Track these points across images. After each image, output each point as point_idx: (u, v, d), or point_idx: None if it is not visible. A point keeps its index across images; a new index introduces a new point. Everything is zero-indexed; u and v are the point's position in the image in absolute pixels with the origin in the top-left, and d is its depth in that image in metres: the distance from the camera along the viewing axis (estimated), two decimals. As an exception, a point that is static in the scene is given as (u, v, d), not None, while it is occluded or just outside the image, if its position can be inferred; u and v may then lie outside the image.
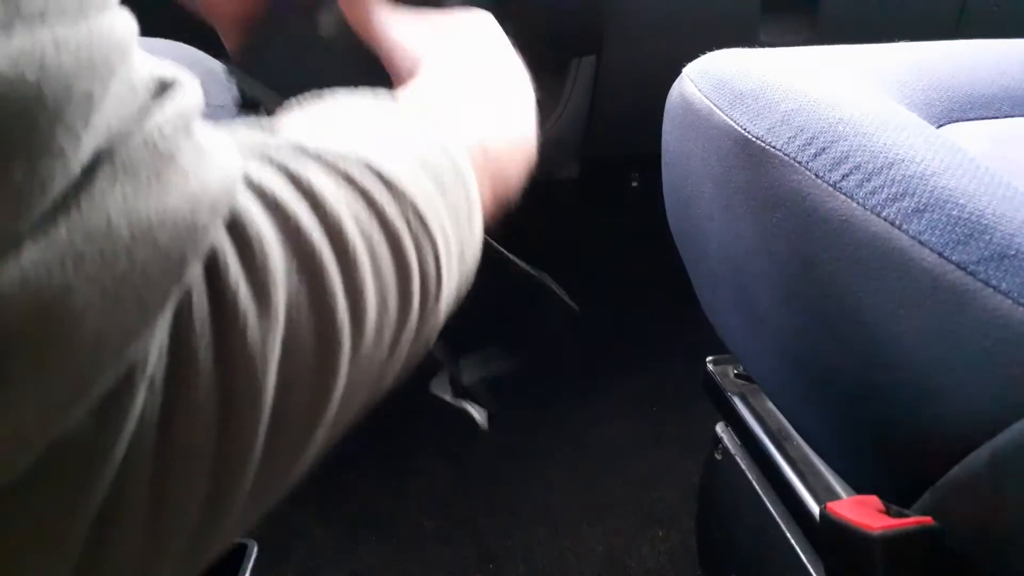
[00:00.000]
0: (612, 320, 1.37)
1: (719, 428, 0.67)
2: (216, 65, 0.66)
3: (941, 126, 0.56)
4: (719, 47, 0.62)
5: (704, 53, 0.61)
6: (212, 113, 0.65)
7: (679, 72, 0.61)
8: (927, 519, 0.36)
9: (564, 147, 1.06)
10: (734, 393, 0.64)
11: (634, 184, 1.40)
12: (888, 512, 0.38)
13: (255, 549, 0.80)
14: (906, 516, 0.37)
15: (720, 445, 0.66)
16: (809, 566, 0.54)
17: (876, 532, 0.35)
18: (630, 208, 1.41)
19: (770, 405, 0.62)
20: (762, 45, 0.99)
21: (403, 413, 1.19)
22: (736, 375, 0.66)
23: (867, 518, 0.36)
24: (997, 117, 0.58)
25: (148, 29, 0.72)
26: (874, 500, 0.39)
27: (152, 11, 0.88)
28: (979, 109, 0.58)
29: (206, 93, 0.64)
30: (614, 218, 1.48)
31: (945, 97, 0.58)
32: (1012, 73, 0.62)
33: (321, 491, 1.06)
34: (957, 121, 0.57)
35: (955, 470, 0.36)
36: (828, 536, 0.38)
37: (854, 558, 0.37)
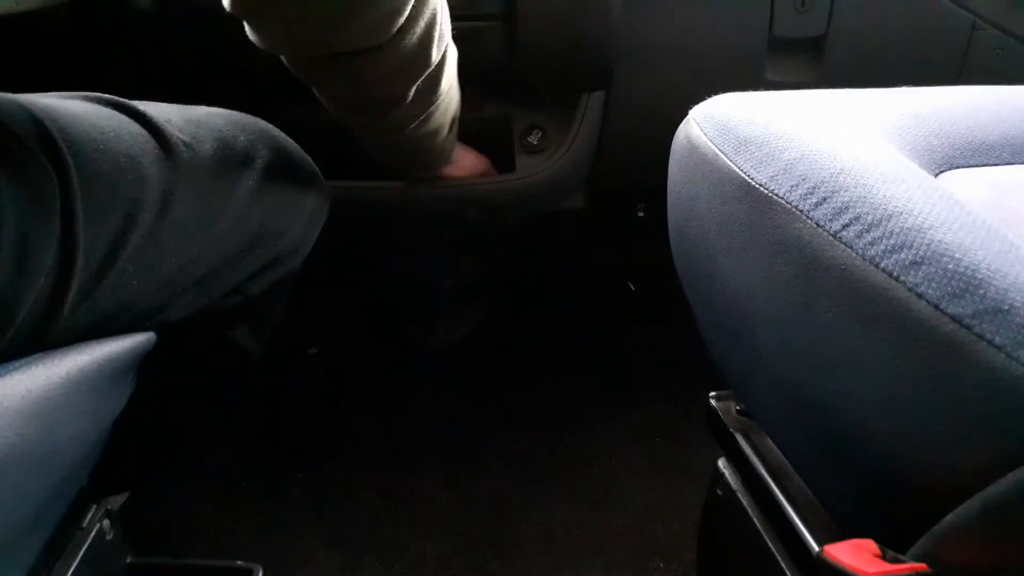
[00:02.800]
0: (616, 350, 1.38)
1: (720, 463, 0.67)
2: (289, 144, 0.67)
3: (941, 173, 0.57)
4: (726, 85, 0.63)
5: (711, 91, 0.62)
6: (280, 191, 0.66)
7: (686, 108, 0.62)
8: (921, 566, 0.37)
9: (572, 178, 1.07)
10: (736, 429, 0.65)
11: (640, 214, 1.41)
12: (884, 557, 0.39)
13: (260, 573, 0.81)
14: (901, 562, 0.38)
15: (721, 481, 0.66)
16: (808, 605, 0.55)
17: (871, 578, 0.36)
18: (635, 238, 1.42)
19: (771, 443, 0.62)
20: (768, 84, 1.01)
21: (408, 440, 1.20)
22: (738, 411, 0.67)
23: (862, 563, 0.37)
24: (998, 164, 0.59)
25: (196, 97, 0.72)
26: (871, 544, 0.40)
27: (200, 80, 0.90)
28: (980, 156, 0.59)
29: (277, 171, 0.65)
30: (619, 248, 1.50)
31: (946, 144, 0.59)
32: (1013, 120, 0.63)
33: (325, 516, 1.06)
34: (958, 168, 0.58)
35: (949, 518, 0.37)
36: (825, 579, 0.39)
37: (850, 602, 0.38)
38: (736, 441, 0.64)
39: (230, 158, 0.58)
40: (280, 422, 1.25)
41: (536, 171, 1.02)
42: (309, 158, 0.69)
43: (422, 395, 1.29)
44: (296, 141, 1.00)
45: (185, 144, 0.55)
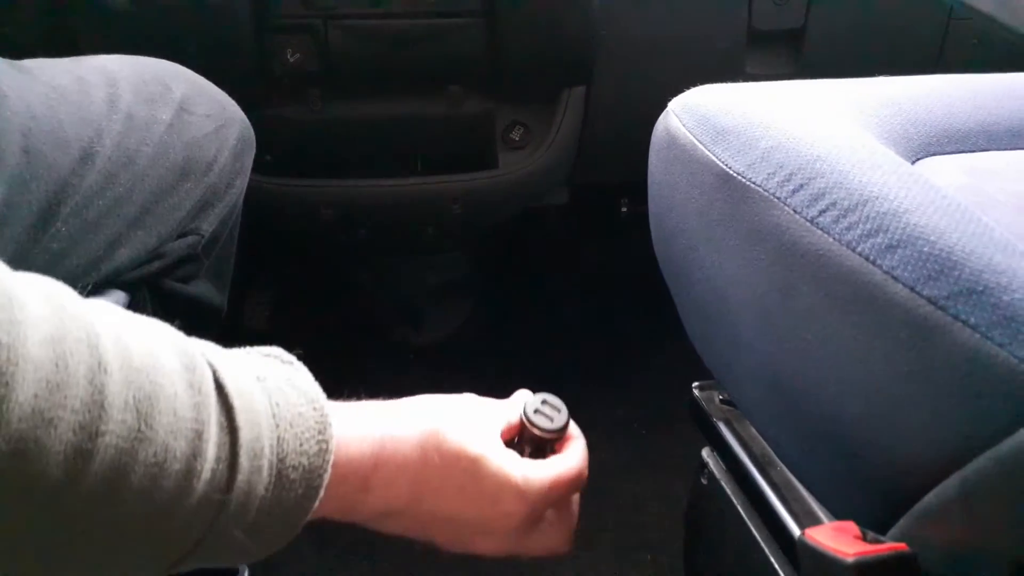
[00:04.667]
0: (601, 345, 1.38)
1: (705, 453, 0.68)
2: (203, 81, 0.68)
3: (918, 160, 0.57)
4: (706, 79, 0.64)
5: (691, 85, 0.62)
6: (199, 122, 0.66)
7: (666, 103, 0.62)
8: (901, 545, 0.37)
9: (554, 174, 1.08)
10: (719, 419, 0.66)
11: (623, 210, 1.42)
12: (865, 538, 0.40)
13: (246, 571, 0.81)
14: (881, 542, 0.38)
15: (706, 470, 0.67)
16: (793, 591, 0.55)
17: (851, 559, 0.36)
18: (619, 233, 1.43)
19: (754, 431, 0.63)
20: (748, 77, 1.02)
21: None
22: (721, 401, 0.68)
23: (843, 545, 0.37)
24: (973, 151, 0.60)
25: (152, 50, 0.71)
26: (851, 526, 0.40)
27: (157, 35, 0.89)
28: (955, 143, 0.60)
29: (194, 104, 0.66)
30: (603, 243, 1.50)
31: (922, 131, 0.59)
32: (988, 108, 0.64)
33: (313, 515, 1.06)
34: (934, 155, 0.59)
35: (928, 497, 0.38)
36: (806, 562, 0.40)
37: (831, 584, 0.38)
38: (719, 430, 0.65)
39: (144, 96, 0.60)
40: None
41: (519, 167, 1.02)
42: (225, 93, 0.69)
43: (408, 394, 1.28)
44: (278, 140, 1.00)
45: (98, 93, 0.57)
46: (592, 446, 1.14)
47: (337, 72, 0.95)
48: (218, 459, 0.32)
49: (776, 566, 0.56)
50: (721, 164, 0.52)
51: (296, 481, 0.35)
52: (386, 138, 1.02)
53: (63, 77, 0.57)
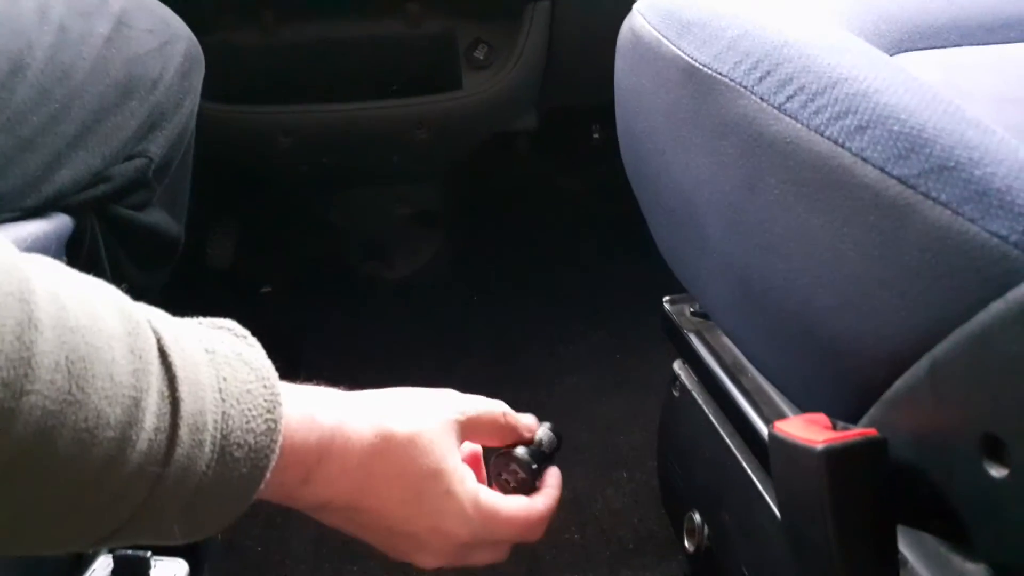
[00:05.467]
0: (575, 271, 1.37)
1: (676, 366, 0.67)
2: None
3: (891, 56, 0.56)
4: (674, -12, 0.61)
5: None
6: (140, 38, 0.62)
7: (632, 13, 0.60)
8: (870, 431, 0.36)
9: (522, 94, 1.05)
10: (690, 331, 0.65)
11: (595, 136, 1.39)
12: (835, 428, 0.39)
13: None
14: (851, 430, 0.37)
15: (678, 382, 0.66)
16: (766, 495, 0.55)
17: (820, 446, 0.35)
18: (591, 160, 1.40)
19: (725, 340, 0.62)
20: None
21: (369, 374, 1.19)
22: (692, 313, 0.67)
23: (813, 434, 0.36)
24: (946, 46, 0.58)
25: None
26: (822, 417, 0.40)
27: None
28: (929, 39, 0.58)
29: (134, 18, 0.61)
30: (575, 170, 1.48)
31: (895, 28, 0.58)
32: (962, 3, 0.62)
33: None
34: (907, 51, 0.57)
35: (898, 383, 0.37)
36: (776, 455, 0.39)
37: (801, 474, 0.37)
38: (690, 342, 0.64)
39: (78, 8, 0.57)
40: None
41: (484, 87, 0.99)
42: (169, 9, 0.65)
43: (381, 329, 1.27)
44: (238, 66, 0.96)
45: (27, 3, 0.54)
46: (568, 371, 1.14)
47: (290, -9, 0.91)
48: (156, 430, 0.30)
49: (748, 471, 0.55)
50: (687, 57, 0.50)
51: (240, 460, 0.33)
52: (344, 62, 0.98)
53: None
